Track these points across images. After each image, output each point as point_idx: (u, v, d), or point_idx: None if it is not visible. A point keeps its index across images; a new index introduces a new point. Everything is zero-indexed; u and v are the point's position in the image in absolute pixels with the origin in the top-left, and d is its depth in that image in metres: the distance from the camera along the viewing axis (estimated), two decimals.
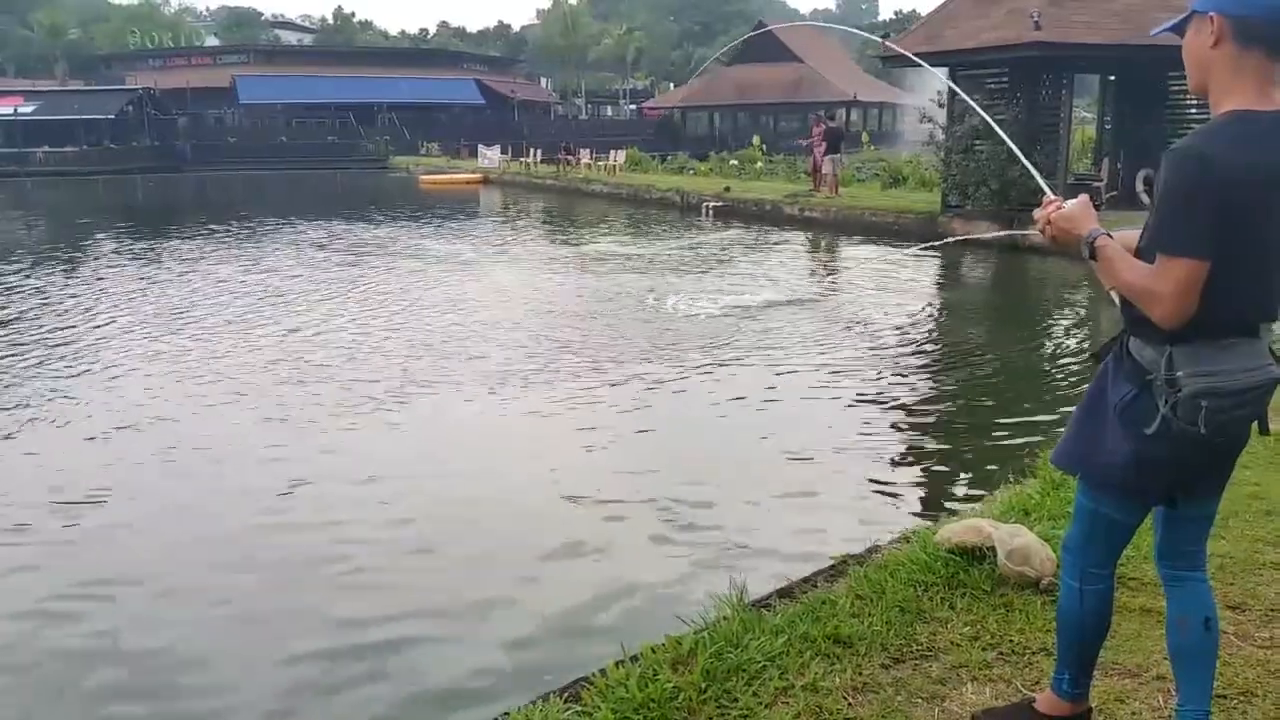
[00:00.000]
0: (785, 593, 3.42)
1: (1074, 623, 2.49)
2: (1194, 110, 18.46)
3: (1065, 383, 8.50)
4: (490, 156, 41.40)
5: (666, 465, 6.31)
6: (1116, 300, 2.34)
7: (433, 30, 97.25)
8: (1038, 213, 2.39)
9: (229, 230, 22.00)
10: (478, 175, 39.14)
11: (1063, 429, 6.76)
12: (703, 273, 14.79)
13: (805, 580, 3.55)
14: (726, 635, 3.05)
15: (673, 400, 7.84)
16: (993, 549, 3.57)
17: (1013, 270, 15.56)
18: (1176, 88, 19.04)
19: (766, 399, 7.80)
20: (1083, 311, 12.10)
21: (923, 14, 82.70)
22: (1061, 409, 7.50)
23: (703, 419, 7.37)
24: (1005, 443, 6.70)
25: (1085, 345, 10.03)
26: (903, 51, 8.33)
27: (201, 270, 15.62)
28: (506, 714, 2.75)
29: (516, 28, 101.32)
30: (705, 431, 7.10)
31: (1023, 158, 3.10)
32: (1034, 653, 3.08)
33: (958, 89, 4.23)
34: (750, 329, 10.36)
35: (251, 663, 4.05)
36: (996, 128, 3.34)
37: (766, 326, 10.50)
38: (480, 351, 9.49)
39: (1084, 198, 2.36)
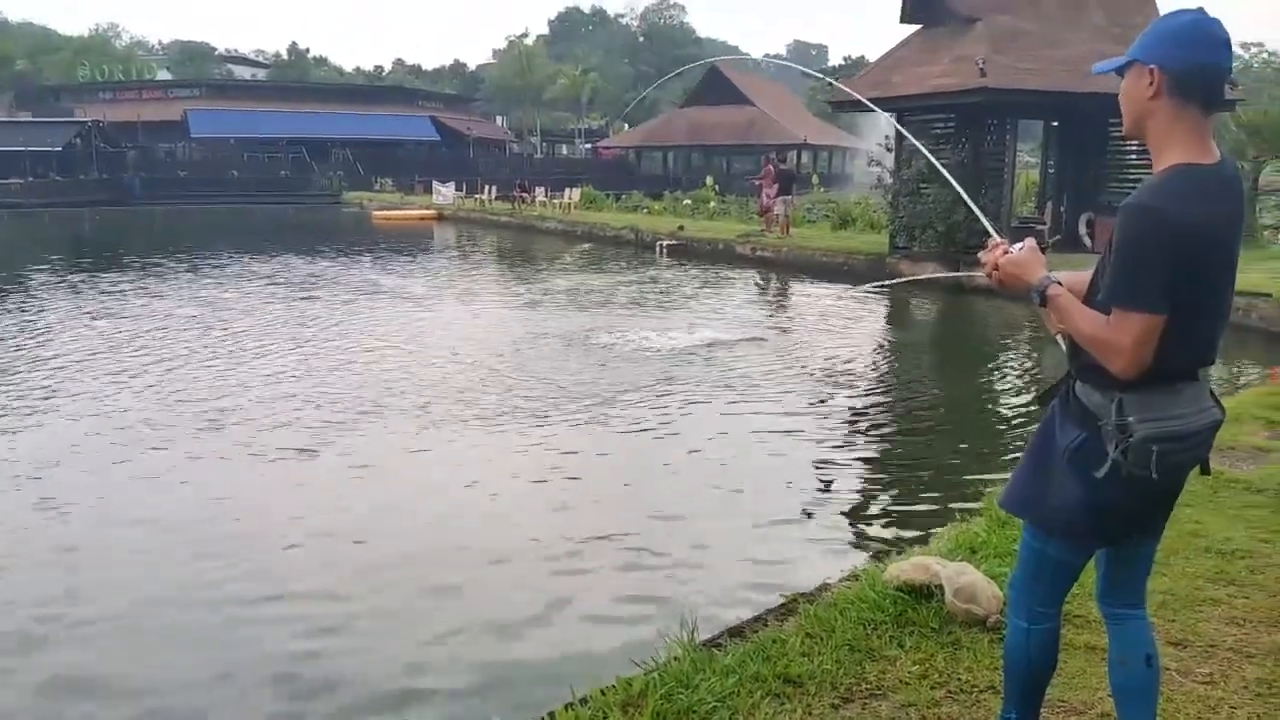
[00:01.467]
0: (736, 632, 3.42)
1: (1021, 662, 2.51)
2: (1134, 156, 19.04)
3: (1009, 422, 8.63)
4: (445, 193, 41.36)
5: (615, 504, 6.29)
6: (1063, 344, 2.39)
7: (388, 67, 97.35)
8: (984, 255, 2.43)
9: (174, 265, 21.66)
10: (432, 211, 39.06)
11: (1006, 468, 6.89)
12: (657, 310, 14.85)
13: (756, 619, 3.55)
14: (677, 676, 3.03)
15: (623, 439, 7.80)
16: (940, 587, 3.60)
17: (958, 311, 15.81)
18: (1117, 134, 19.59)
19: (716, 437, 7.80)
20: (1025, 352, 12.32)
21: (871, 60, 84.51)
22: (1005, 448, 7.63)
23: (652, 457, 7.34)
24: (951, 481, 6.78)
25: (1028, 385, 10.21)
26: (855, 95, 8.51)
27: (142, 305, 15.28)
28: None
29: (472, 66, 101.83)
30: (654, 470, 7.07)
31: (969, 201, 3.17)
32: (981, 691, 3.10)
33: (905, 132, 4.32)
34: (702, 367, 10.40)
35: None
36: (943, 170, 3.41)
37: (718, 364, 10.54)
38: (428, 389, 9.36)
39: (1031, 243, 2.40)
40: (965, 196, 3.23)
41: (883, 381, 10.32)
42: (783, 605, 3.71)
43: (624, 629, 4.42)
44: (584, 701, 2.93)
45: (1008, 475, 6.53)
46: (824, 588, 3.85)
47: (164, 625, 4.63)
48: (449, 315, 14.47)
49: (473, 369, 10.31)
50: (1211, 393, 2.22)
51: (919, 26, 18.83)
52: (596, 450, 7.53)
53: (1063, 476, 2.29)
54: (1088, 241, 18.66)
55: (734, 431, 7.96)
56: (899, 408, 9.09)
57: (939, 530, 4.71)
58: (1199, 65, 2.12)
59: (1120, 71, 2.27)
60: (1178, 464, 2.17)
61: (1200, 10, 2.18)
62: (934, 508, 6.16)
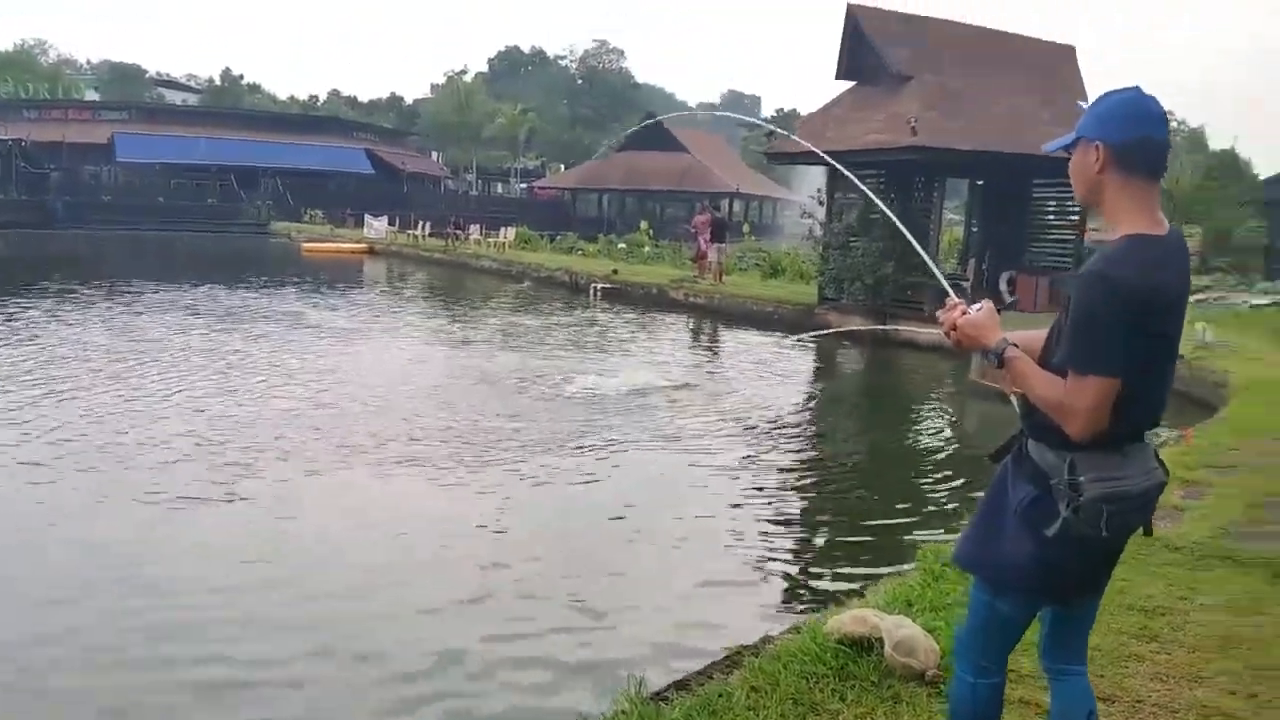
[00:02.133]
0: (681, 685, 3.44)
1: (966, 716, 2.57)
2: (1053, 217, 19.80)
3: (937, 475, 8.83)
4: (377, 226, 40.98)
5: (546, 557, 6.21)
6: (1016, 403, 2.49)
7: (323, 97, 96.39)
8: (942, 315, 2.52)
9: (93, 291, 21.03)
10: (363, 245, 38.67)
11: (935, 522, 7.03)
12: (590, 354, 14.89)
13: (701, 672, 3.58)
14: None
15: (551, 489, 7.70)
16: (880, 639, 3.68)
17: (885, 363, 16.15)
18: (1038, 194, 20.40)
19: (650, 487, 7.84)
20: (951, 406, 12.63)
21: (803, 113, 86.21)
22: (934, 502, 7.81)
23: (584, 508, 7.30)
24: (882, 534, 6.89)
25: (955, 439, 10.47)
26: (810, 147, 8.70)
27: (52, 332, 14.73)
28: None
29: (410, 100, 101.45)
30: (586, 521, 7.03)
31: (930, 261, 3.30)
32: None
33: (864, 187, 4.39)
34: (637, 413, 10.45)
35: None
36: (906, 233, 3.45)
37: (652, 411, 10.61)
38: (350, 430, 9.06)
39: (989, 305, 2.50)
40: (926, 257, 3.37)
41: (814, 433, 10.49)
42: (727, 658, 3.74)
43: (562, 686, 4.38)
44: None
45: (937, 530, 6.73)
46: (766, 640, 3.90)
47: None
48: (378, 352, 14.29)
49: (398, 410, 10.14)
50: (1156, 454, 2.33)
51: (853, 83, 19.36)
52: (528, 500, 7.40)
53: (1014, 533, 2.37)
54: (1008, 299, 19.26)
55: (668, 481, 8.00)
56: (830, 460, 9.25)
57: (875, 584, 4.80)
58: (1139, 139, 2.25)
59: (1069, 149, 2.41)
60: (1125, 524, 2.27)
61: (1136, 88, 2.33)
62: (868, 558, 6.28)
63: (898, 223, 3.56)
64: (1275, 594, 4.49)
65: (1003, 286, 19.54)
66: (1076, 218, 20.13)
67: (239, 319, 17.13)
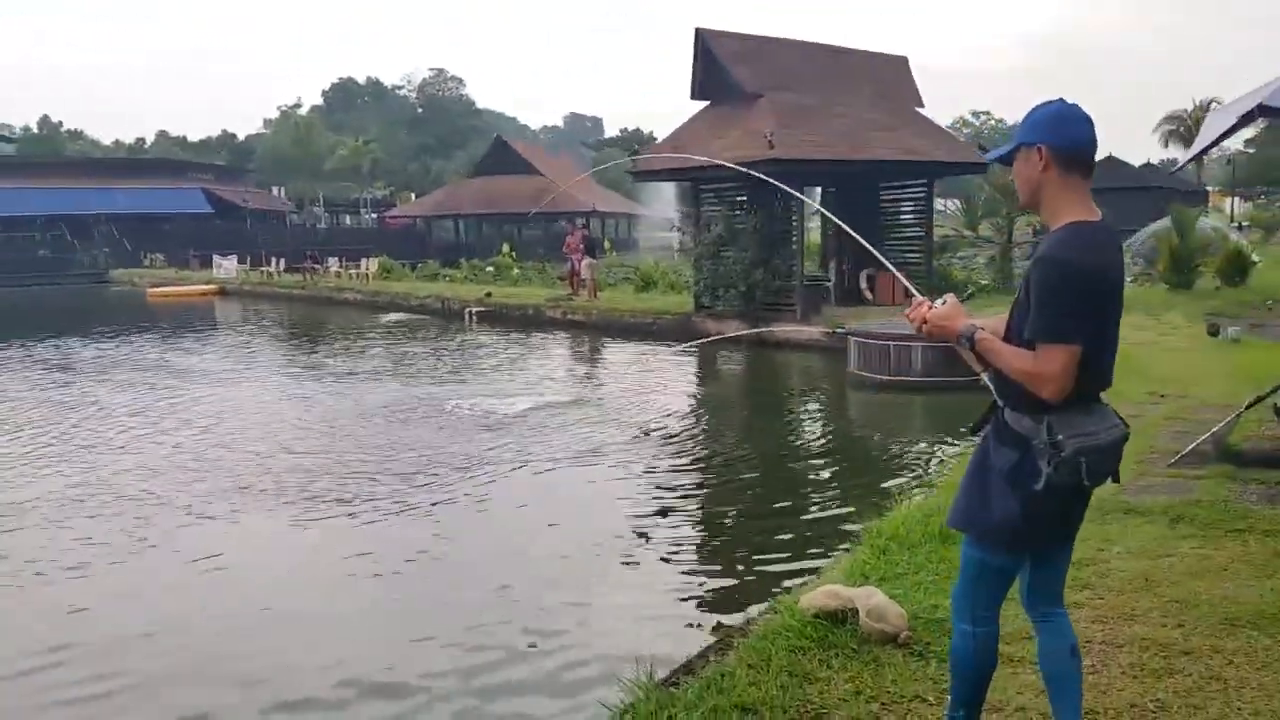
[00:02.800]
0: (687, 669, 3.63)
1: (968, 662, 2.86)
2: (909, 216, 20.94)
3: (833, 460, 9.32)
4: (226, 266, 39.51)
5: (485, 578, 6.31)
6: (989, 381, 2.80)
7: (151, 139, 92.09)
8: (910, 313, 2.83)
9: None
10: (213, 286, 37.23)
11: (844, 502, 7.45)
12: (479, 377, 14.90)
13: (700, 655, 3.78)
14: (646, 715, 3.21)
15: (465, 511, 7.77)
16: (853, 611, 3.96)
17: (765, 362, 16.72)
18: (888, 198, 21.52)
19: (566, 503, 8.02)
20: (831, 395, 13.25)
21: (645, 131, 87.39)
22: (836, 483, 8.25)
23: (498, 527, 7.42)
24: (802, 522, 7.26)
25: (841, 425, 11.03)
26: (712, 160, 9.01)
27: None
28: None
29: (242, 137, 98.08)
30: (507, 539, 7.16)
31: (885, 262, 3.58)
32: (910, 700, 3.45)
33: (817, 205, 4.56)
34: (539, 432, 10.57)
35: None
36: (860, 239, 3.76)
37: (553, 429, 10.74)
38: (232, 472, 8.86)
39: (952, 298, 2.83)
40: (883, 259, 3.65)
41: (715, 434, 10.84)
42: (720, 641, 3.96)
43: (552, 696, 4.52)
44: None
45: (848, 509, 7.12)
46: (750, 621, 4.13)
47: None
48: (256, 393, 13.92)
49: (292, 448, 9.99)
50: (1114, 411, 2.68)
51: (707, 102, 20.00)
52: (447, 521, 7.45)
53: (1001, 494, 2.68)
54: (869, 296, 20.24)
55: (590, 495, 8.17)
56: (735, 457, 9.61)
57: (828, 563, 5.10)
58: (1074, 140, 2.61)
59: (1008, 159, 2.76)
60: (1100, 472, 2.60)
61: (1062, 99, 2.70)
62: (797, 541, 6.60)
63: (850, 230, 3.86)
64: (1177, 536, 5.02)
65: (863, 284, 20.54)
66: (921, 217, 21.40)
67: (94, 371, 16.34)
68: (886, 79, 21.22)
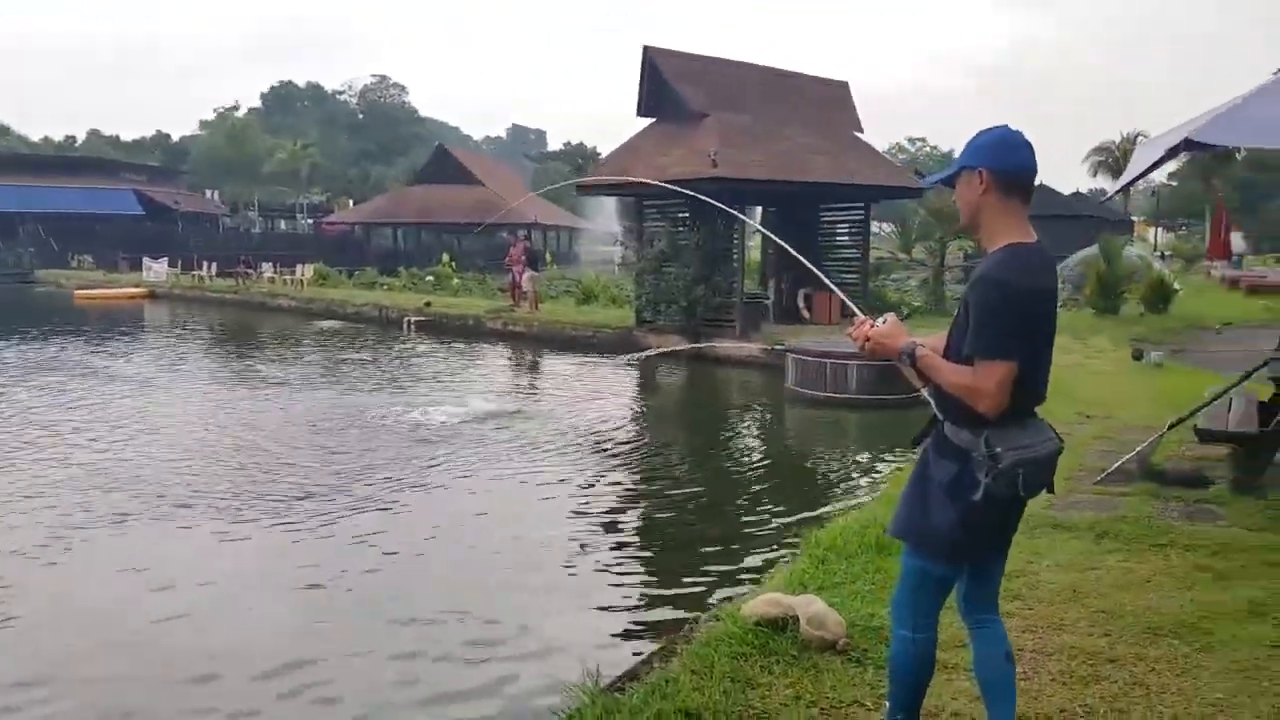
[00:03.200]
0: (631, 675, 3.67)
1: (908, 668, 2.94)
2: (845, 238, 21.30)
3: (773, 472, 9.44)
4: (157, 269, 38.64)
5: (420, 588, 6.31)
6: (929, 396, 2.89)
7: (82, 137, 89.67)
8: (853, 331, 2.92)
9: None
10: (142, 289, 36.35)
11: (783, 514, 7.59)
12: (419, 386, 14.78)
13: (644, 662, 3.82)
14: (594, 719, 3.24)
15: (403, 521, 7.69)
16: (793, 618, 4.03)
17: (705, 377, 16.83)
18: (826, 219, 21.87)
19: (499, 510, 8.04)
20: (770, 410, 13.42)
21: (589, 146, 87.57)
22: (776, 494, 8.37)
23: (439, 537, 7.38)
24: (746, 532, 7.35)
25: (779, 438, 11.18)
26: (664, 186, 9.06)
27: None
28: None
29: (176, 138, 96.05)
30: (447, 549, 7.14)
31: (830, 284, 3.68)
32: (848, 705, 3.52)
33: (757, 225, 4.65)
34: (479, 442, 10.54)
35: None
36: (798, 255, 3.86)
37: (493, 439, 10.72)
38: (168, 483, 8.63)
39: (893, 317, 2.92)
40: (825, 279, 3.75)
41: (656, 446, 10.91)
42: (663, 648, 4.00)
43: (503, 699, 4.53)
44: None
45: (792, 519, 7.24)
46: (691, 629, 4.18)
47: None
48: (187, 399, 13.64)
49: (231, 456, 9.85)
50: (1049, 425, 2.79)
51: (653, 120, 20.15)
52: (391, 536, 7.34)
53: (940, 504, 2.77)
54: (806, 314, 20.54)
55: (525, 506, 8.17)
56: (676, 469, 9.70)
57: (769, 573, 5.18)
58: (1015, 165, 2.73)
59: (950, 182, 2.86)
60: (1036, 484, 2.71)
61: (1005, 126, 2.82)
62: (740, 550, 6.69)
63: (793, 252, 3.95)
64: (1103, 550, 5.19)
65: (800, 303, 20.84)
66: (858, 239, 21.80)
67: (17, 373, 15.88)
68: (828, 103, 21.61)
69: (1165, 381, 11.23)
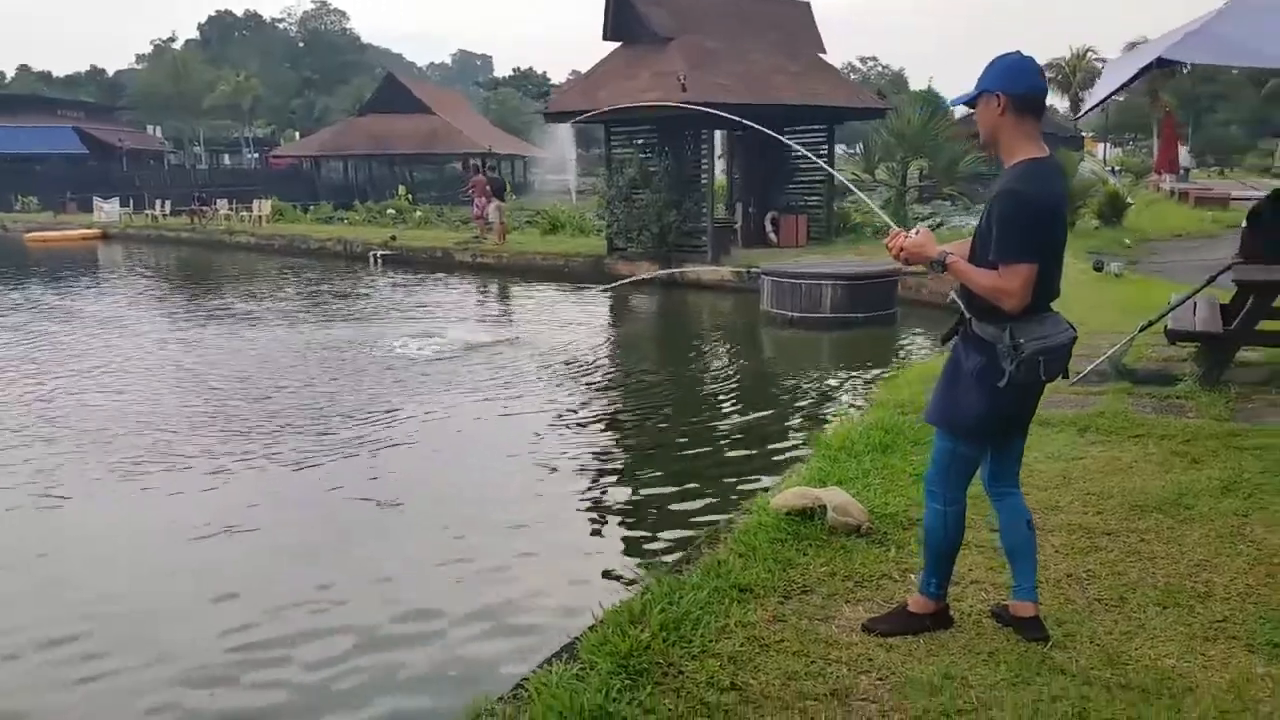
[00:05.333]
0: (685, 559, 4.07)
1: (941, 537, 3.35)
2: (803, 163, 21.50)
3: (759, 387, 9.87)
4: (108, 209, 37.81)
5: (464, 502, 6.65)
6: (957, 298, 3.25)
7: (12, 74, 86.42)
8: (889, 241, 3.25)
9: None
10: (95, 230, 35.67)
11: (786, 420, 8.04)
12: (396, 319, 14.95)
13: (695, 547, 4.22)
14: (661, 595, 3.63)
15: (418, 450, 7.95)
16: (821, 508, 4.45)
17: (678, 302, 17.16)
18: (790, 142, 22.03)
19: (515, 433, 8.35)
20: (746, 331, 13.82)
21: (538, 71, 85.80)
22: (768, 407, 8.80)
23: (468, 458, 7.74)
24: (758, 438, 7.79)
25: (759, 356, 11.61)
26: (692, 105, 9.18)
27: None
28: (524, 680, 3.14)
29: (111, 73, 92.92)
30: (480, 469, 7.51)
31: (868, 201, 4.00)
32: (878, 578, 3.95)
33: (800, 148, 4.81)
34: (474, 369, 10.82)
35: None
36: (849, 184, 4.18)
37: (485, 367, 10.99)
38: (148, 423, 8.63)
39: (924, 228, 3.28)
40: (863, 196, 4.07)
41: (646, 369, 11.28)
42: (708, 535, 4.41)
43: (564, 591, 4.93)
44: (601, 622, 3.46)
45: (784, 426, 7.70)
46: (730, 520, 4.59)
47: None
48: (160, 338, 13.69)
49: (219, 392, 9.99)
50: (1064, 318, 3.17)
51: (619, 44, 20.10)
52: (408, 465, 7.64)
53: (970, 392, 3.16)
54: (773, 237, 20.88)
55: (538, 430, 8.47)
56: (671, 389, 10.09)
57: (787, 470, 5.61)
58: (1029, 88, 3.07)
59: (971, 103, 3.19)
60: (1055, 369, 3.10)
61: (1018, 52, 3.15)
62: (739, 466, 7.13)
63: (837, 174, 4.25)
64: (1086, 442, 5.68)
65: (767, 226, 21.16)
66: (825, 161, 22.03)
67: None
68: (790, 24, 21.67)
69: (1125, 290, 11.77)
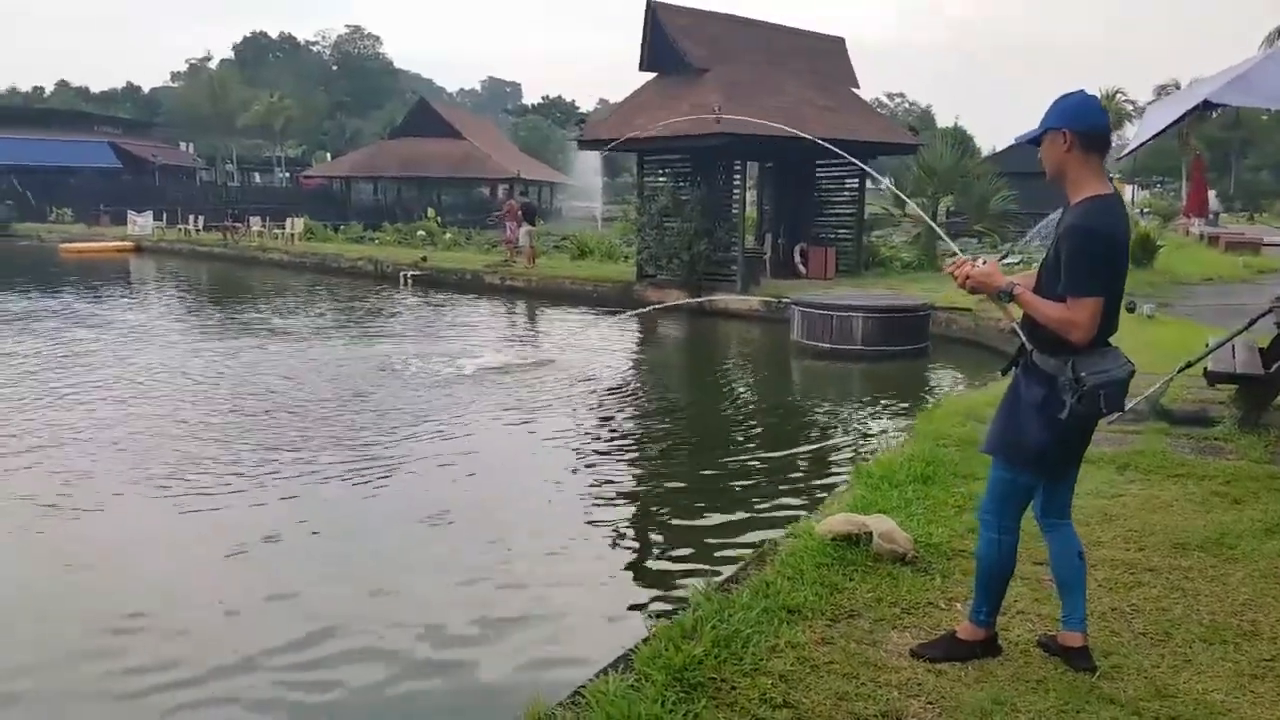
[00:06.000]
0: (733, 579, 4.13)
1: (994, 566, 3.40)
2: (841, 195, 21.63)
3: (794, 418, 9.91)
4: (141, 223, 38.40)
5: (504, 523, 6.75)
6: (1018, 329, 3.31)
7: (50, 88, 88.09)
8: (954, 270, 3.30)
9: None
10: (128, 243, 36.20)
11: (822, 451, 8.08)
12: (429, 338, 15.11)
13: (742, 569, 4.28)
14: (711, 613, 3.69)
15: (451, 469, 7.99)
16: (866, 534, 4.50)
17: (708, 331, 17.22)
18: (821, 175, 22.20)
19: (549, 455, 8.43)
20: (775, 363, 13.86)
21: (567, 98, 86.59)
22: (819, 435, 8.84)
23: (509, 478, 7.82)
24: (797, 466, 7.84)
25: (789, 386, 11.65)
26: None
27: None
28: (581, 688, 3.21)
29: (147, 89, 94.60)
30: (515, 491, 7.61)
31: (939, 231, 4.10)
32: (924, 606, 4.00)
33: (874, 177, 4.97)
34: (510, 390, 10.92)
35: None
36: (922, 214, 4.28)
37: (519, 388, 11.09)
38: (185, 440, 8.54)
39: (992, 260, 3.35)
40: (935, 226, 4.16)
41: (678, 396, 11.34)
42: (755, 557, 4.47)
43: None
44: (654, 635, 3.52)
45: (838, 456, 7.75)
46: (774, 544, 4.64)
47: None
48: (202, 351, 13.88)
49: (257, 404, 10.11)
50: (1122, 352, 3.22)
51: (655, 74, 20.35)
52: (461, 482, 7.76)
53: (1031, 422, 3.21)
54: (802, 269, 20.95)
55: (568, 451, 8.57)
56: (705, 417, 10.14)
57: (830, 498, 5.66)
58: (1093, 125, 3.16)
59: (1036, 141, 3.27)
60: (1115, 403, 3.16)
61: (1083, 90, 3.24)
62: (775, 494, 7.18)
63: (923, 215, 4.35)
64: (1126, 480, 5.71)
65: (796, 258, 21.25)
66: (854, 195, 22.16)
67: (24, 324, 16.05)
68: (824, 58, 21.88)
69: (1158, 332, 11.75)
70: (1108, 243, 3.06)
